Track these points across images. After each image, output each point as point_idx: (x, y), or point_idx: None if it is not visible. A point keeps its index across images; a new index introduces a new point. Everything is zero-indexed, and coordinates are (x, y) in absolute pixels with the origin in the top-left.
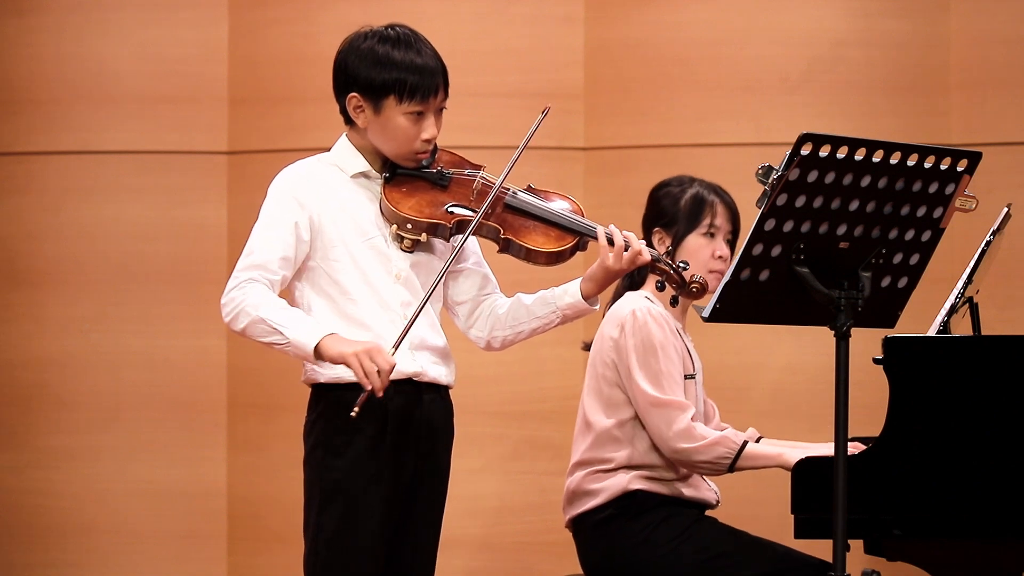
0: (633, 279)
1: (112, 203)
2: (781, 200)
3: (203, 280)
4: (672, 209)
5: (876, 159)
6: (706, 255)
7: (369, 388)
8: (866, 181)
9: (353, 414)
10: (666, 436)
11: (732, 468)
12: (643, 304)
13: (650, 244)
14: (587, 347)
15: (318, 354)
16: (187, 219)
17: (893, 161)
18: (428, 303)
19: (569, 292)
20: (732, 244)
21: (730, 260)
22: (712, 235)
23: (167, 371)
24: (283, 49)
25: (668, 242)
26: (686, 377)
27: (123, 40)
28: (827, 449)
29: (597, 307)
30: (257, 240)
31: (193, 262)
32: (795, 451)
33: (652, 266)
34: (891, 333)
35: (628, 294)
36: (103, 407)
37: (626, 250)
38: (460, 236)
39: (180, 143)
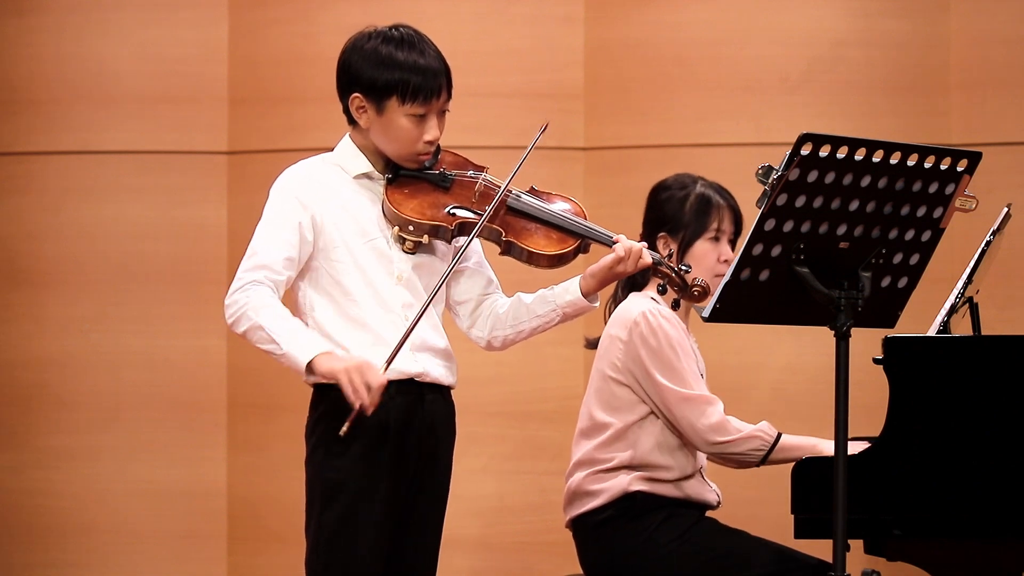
0: (635, 280)
1: (112, 203)
2: (781, 200)
3: (203, 280)
4: (677, 213)
5: (876, 159)
6: (712, 260)
7: (359, 406)
8: (866, 181)
9: (342, 432)
10: (700, 430)
11: (764, 461)
12: (651, 305)
13: (654, 248)
14: (589, 344)
15: (310, 370)
16: (187, 219)
17: (893, 161)
18: (429, 306)
19: (569, 290)
20: (734, 244)
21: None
22: (717, 239)
23: (167, 371)
24: (283, 49)
25: (674, 247)
26: None
27: (123, 40)
28: (852, 445)
29: (596, 304)
30: (261, 240)
31: (193, 262)
32: (826, 443)
33: (654, 269)
34: (891, 333)
35: (633, 295)
36: (103, 407)
37: (630, 251)
38: (463, 238)
39: (180, 143)
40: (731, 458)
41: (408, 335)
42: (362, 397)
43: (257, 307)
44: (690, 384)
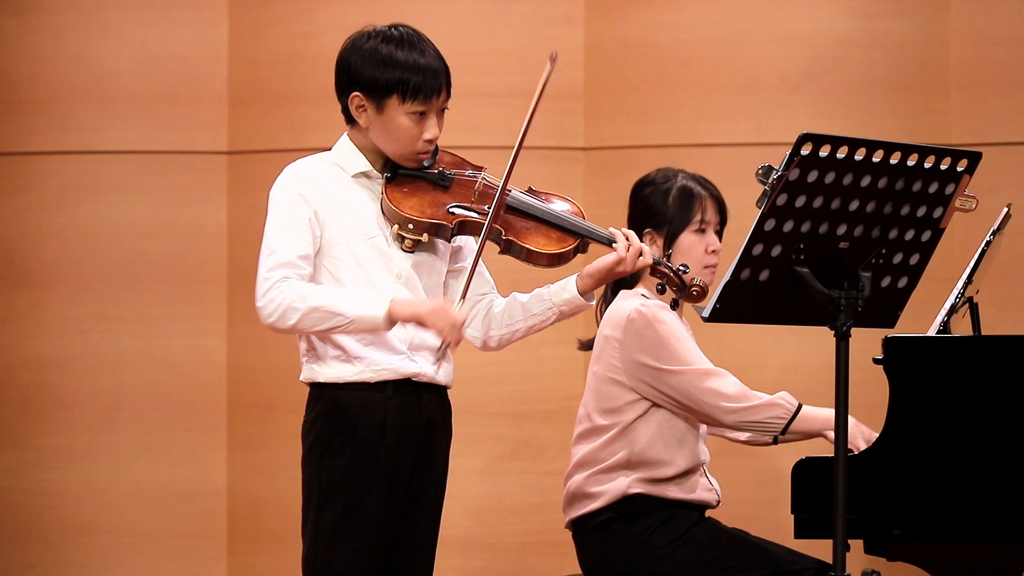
0: (626, 279)
1: (112, 203)
2: (781, 200)
3: (203, 280)
4: (661, 207)
5: (876, 159)
6: (699, 251)
7: (447, 342)
8: (866, 181)
9: (435, 363)
10: (719, 402)
11: (785, 430)
12: (642, 301)
13: None
14: (583, 346)
15: (390, 321)
16: (187, 219)
17: (893, 161)
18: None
19: (566, 288)
20: (720, 234)
21: (721, 251)
22: (703, 230)
23: (167, 371)
24: (283, 49)
25: (661, 242)
26: None
27: (123, 40)
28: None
29: (593, 302)
30: (276, 239)
31: (193, 262)
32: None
33: (653, 269)
34: (891, 333)
35: (623, 293)
36: (103, 407)
37: (629, 250)
38: (462, 236)
39: (180, 143)
40: (754, 426)
41: (471, 277)
42: (451, 336)
43: (300, 295)
44: (700, 361)
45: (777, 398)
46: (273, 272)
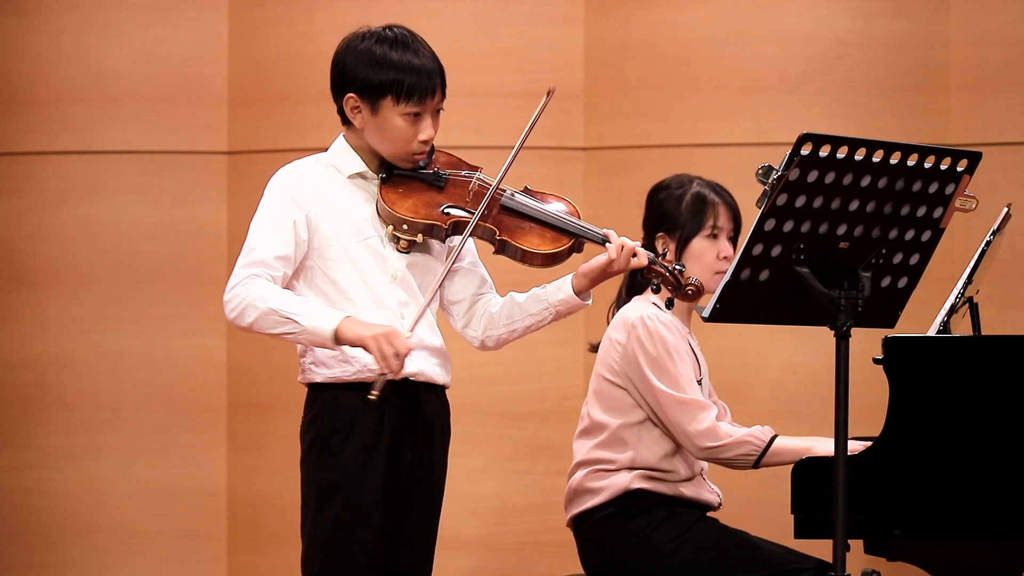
0: (637, 282)
1: (112, 203)
2: (781, 200)
3: (203, 280)
4: (674, 212)
5: (876, 159)
6: (711, 257)
7: (386, 371)
8: (866, 181)
9: (372, 396)
10: (691, 435)
11: (758, 464)
12: (650, 310)
13: (653, 248)
14: (593, 348)
15: (336, 338)
16: (187, 219)
17: (893, 161)
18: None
19: (562, 288)
20: (734, 241)
21: (732, 257)
22: (715, 236)
23: (167, 371)
24: (283, 49)
25: (673, 246)
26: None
27: (123, 40)
28: (853, 444)
29: (589, 302)
30: (256, 238)
31: (193, 262)
32: (821, 443)
33: (648, 268)
34: (891, 333)
35: (636, 299)
36: (103, 407)
37: (622, 249)
38: (458, 237)
39: (180, 143)
40: (723, 463)
41: (429, 303)
42: (391, 365)
43: (262, 295)
44: (684, 389)
45: (748, 434)
46: (244, 269)
